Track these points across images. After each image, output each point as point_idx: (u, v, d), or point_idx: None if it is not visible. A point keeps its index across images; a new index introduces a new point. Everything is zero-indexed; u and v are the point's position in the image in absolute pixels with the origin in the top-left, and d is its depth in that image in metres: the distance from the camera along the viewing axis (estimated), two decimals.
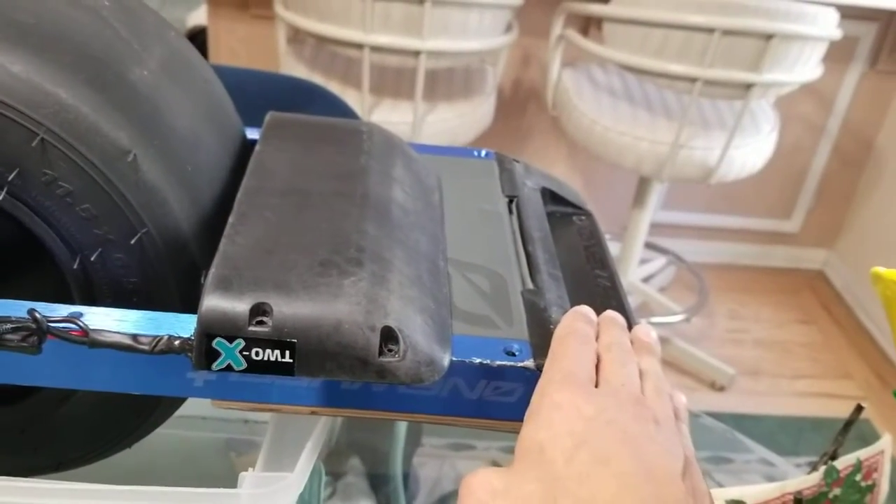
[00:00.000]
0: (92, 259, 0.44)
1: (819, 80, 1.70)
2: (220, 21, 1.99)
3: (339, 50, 1.58)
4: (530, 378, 0.42)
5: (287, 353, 0.40)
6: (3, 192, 0.42)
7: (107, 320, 0.41)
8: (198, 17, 2.29)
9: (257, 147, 0.54)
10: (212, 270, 0.41)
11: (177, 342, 0.41)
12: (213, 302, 0.39)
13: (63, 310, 0.41)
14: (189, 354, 0.41)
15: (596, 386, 0.40)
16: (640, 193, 1.93)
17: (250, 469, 0.46)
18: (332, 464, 0.85)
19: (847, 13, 1.70)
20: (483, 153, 0.64)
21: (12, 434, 0.50)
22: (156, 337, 0.41)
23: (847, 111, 2.24)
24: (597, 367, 0.42)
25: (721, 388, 2.02)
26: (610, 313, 0.46)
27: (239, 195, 0.48)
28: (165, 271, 0.45)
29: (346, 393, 0.44)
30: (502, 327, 0.46)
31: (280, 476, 0.45)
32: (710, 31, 1.49)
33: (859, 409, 0.63)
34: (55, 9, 0.45)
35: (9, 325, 0.40)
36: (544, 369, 0.41)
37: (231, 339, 0.39)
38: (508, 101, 2.14)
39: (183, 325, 0.41)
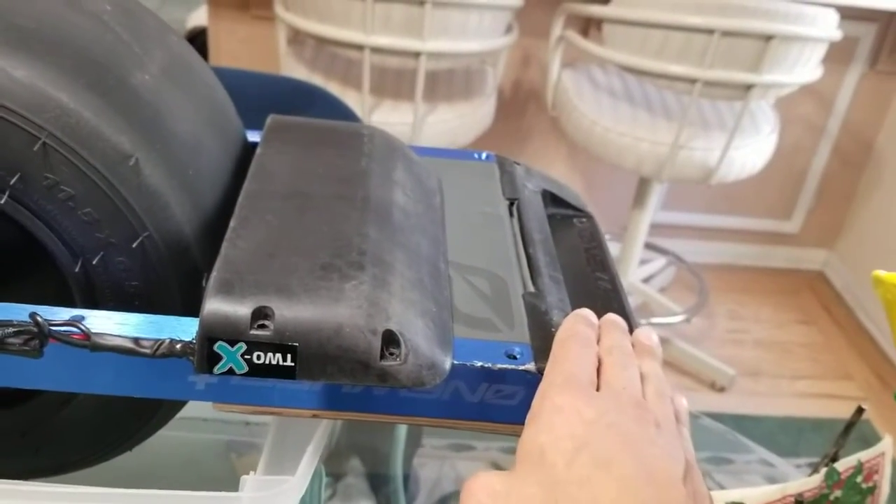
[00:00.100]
0: (94, 263, 0.44)
1: (819, 80, 1.70)
2: (220, 22, 1.99)
3: (340, 51, 1.59)
4: (531, 381, 0.42)
5: (288, 356, 0.40)
6: (5, 197, 0.42)
7: (108, 324, 0.41)
8: (198, 17, 2.29)
9: (258, 150, 0.54)
10: (213, 274, 0.41)
11: (178, 346, 0.41)
12: (215, 305, 0.39)
13: (65, 313, 0.41)
14: (191, 358, 0.41)
15: (597, 389, 0.40)
16: (640, 194, 1.94)
17: (252, 472, 0.46)
18: (332, 465, 0.85)
19: (847, 14, 1.70)
20: (484, 156, 0.64)
21: (13, 437, 0.50)
22: (157, 340, 0.41)
23: (847, 112, 2.25)
24: (598, 370, 0.42)
25: (721, 389, 2.02)
26: (611, 316, 0.46)
27: (240, 198, 0.48)
28: (167, 275, 0.45)
29: (348, 396, 0.44)
30: (503, 330, 0.46)
31: (282, 479, 0.45)
32: (710, 32, 1.49)
33: (860, 411, 0.63)
34: (56, 13, 0.45)
35: (10, 329, 0.40)
36: (545, 372, 0.41)
37: (233, 343, 0.39)
38: (508, 102, 2.14)
39: (184, 329, 0.41)
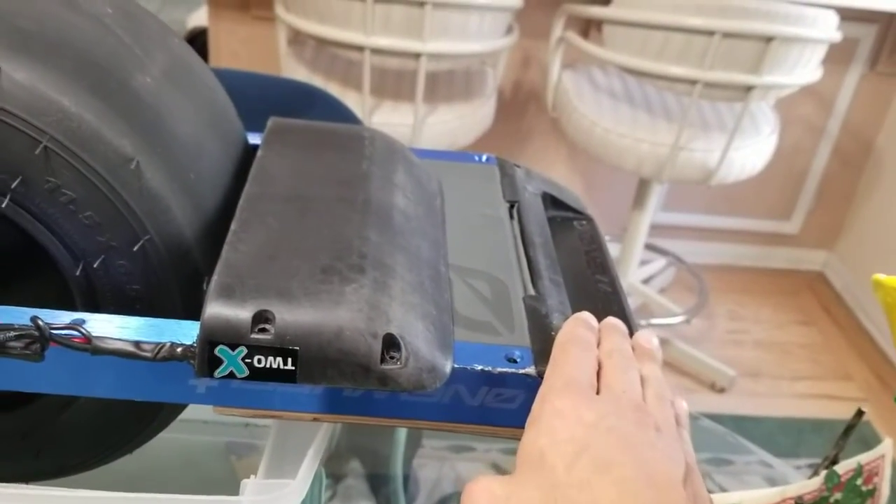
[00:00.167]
0: (95, 266, 0.44)
1: (819, 81, 1.70)
2: (220, 22, 1.99)
3: (340, 52, 1.59)
4: (532, 385, 0.43)
5: (289, 360, 0.40)
6: (7, 200, 0.42)
7: (109, 327, 0.41)
8: (198, 18, 2.29)
9: (259, 153, 0.54)
10: (214, 278, 0.41)
11: (179, 349, 0.41)
12: (216, 309, 0.39)
13: (66, 317, 0.41)
14: (191, 362, 0.41)
15: (597, 392, 0.40)
16: (640, 195, 1.94)
17: (252, 476, 0.46)
18: (332, 466, 0.85)
19: (847, 15, 1.70)
20: (484, 158, 0.64)
21: (14, 440, 0.50)
22: (158, 344, 0.41)
23: (847, 113, 2.25)
24: (598, 373, 0.42)
25: (721, 390, 2.02)
26: (611, 319, 0.46)
27: (241, 202, 0.48)
28: (168, 278, 0.45)
29: (348, 400, 0.44)
30: (504, 333, 0.46)
31: (282, 483, 0.45)
32: (711, 33, 1.49)
33: (860, 413, 0.63)
34: (58, 16, 0.46)
35: (12, 333, 0.40)
36: (545, 376, 0.41)
37: (233, 347, 0.40)
38: (509, 103, 2.14)
39: (185, 333, 0.41)
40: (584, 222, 0.62)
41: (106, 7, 0.49)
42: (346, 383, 0.40)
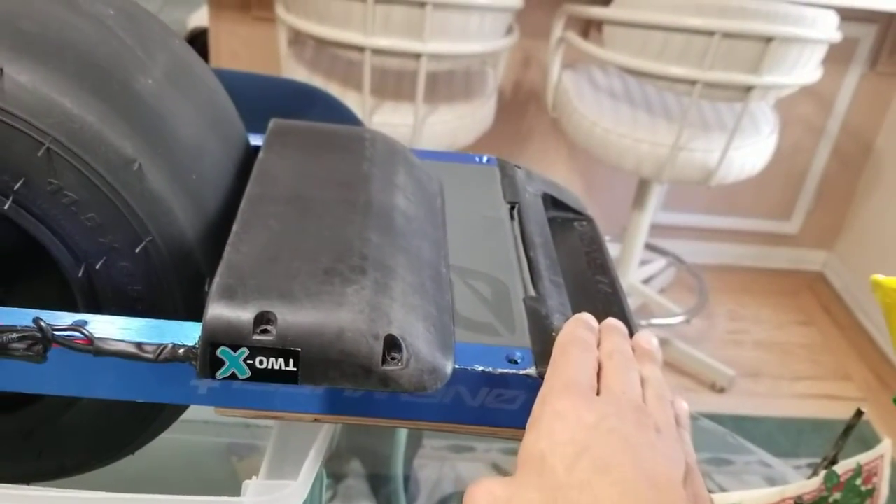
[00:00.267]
0: (97, 267, 0.44)
1: (819, 81, 1.70)
2: (221, 23, 1.99)
3: (340, 52, 1.59)
4: (532, 386, 0.43)
5: (291, 361, 0.40)
6: (9, 201, 0.42)
7: (111, 328, 0.41)
8: (199, 18, 2.30)
9: (261, 154, 0.54)
10: (216, 279, 0.41)
11: (181, 350, 0.41)
12: (218, 311, 0.40)
13: (68, 318, 0.41)
14: (193, 363, 0.41)
15: (597, 393, 0.41)
16: (640, 195, 1.94)
17: (254, 477, 0.46)
18: (332, 467, 0.85)
19: (846, 15, 1.70)
20: (485, 159, 0.64)
21: (16, 440, 0.50)
22: (160, 345, 0.41)
23: (847, 113, 2.25)
24: (598, 374, 0.42)
25: (721, 390, 2.02)
26: (611, 320, 0.47)
27: (243, 203, 0.48)
28: (170, 279, 0.45)
29: (349, 400, 0.44)
30: (504, 335, 0.46)
31: (283, 484, 0.45)
32: (710, 33, 1.49)
33: (859, 413, 0.63)
34: (60, 18, 0.46)
35: (14, 334, 0.40)
36: (546, 377, 0.42)
37: (235, 348, 0.40)
38: (509, 103, 2.14)
39: (187, 334, 0.42)
40: (584, 223, 0.62)
41: (107, 9, 0.49)
42: (347, 384, 0.41)
